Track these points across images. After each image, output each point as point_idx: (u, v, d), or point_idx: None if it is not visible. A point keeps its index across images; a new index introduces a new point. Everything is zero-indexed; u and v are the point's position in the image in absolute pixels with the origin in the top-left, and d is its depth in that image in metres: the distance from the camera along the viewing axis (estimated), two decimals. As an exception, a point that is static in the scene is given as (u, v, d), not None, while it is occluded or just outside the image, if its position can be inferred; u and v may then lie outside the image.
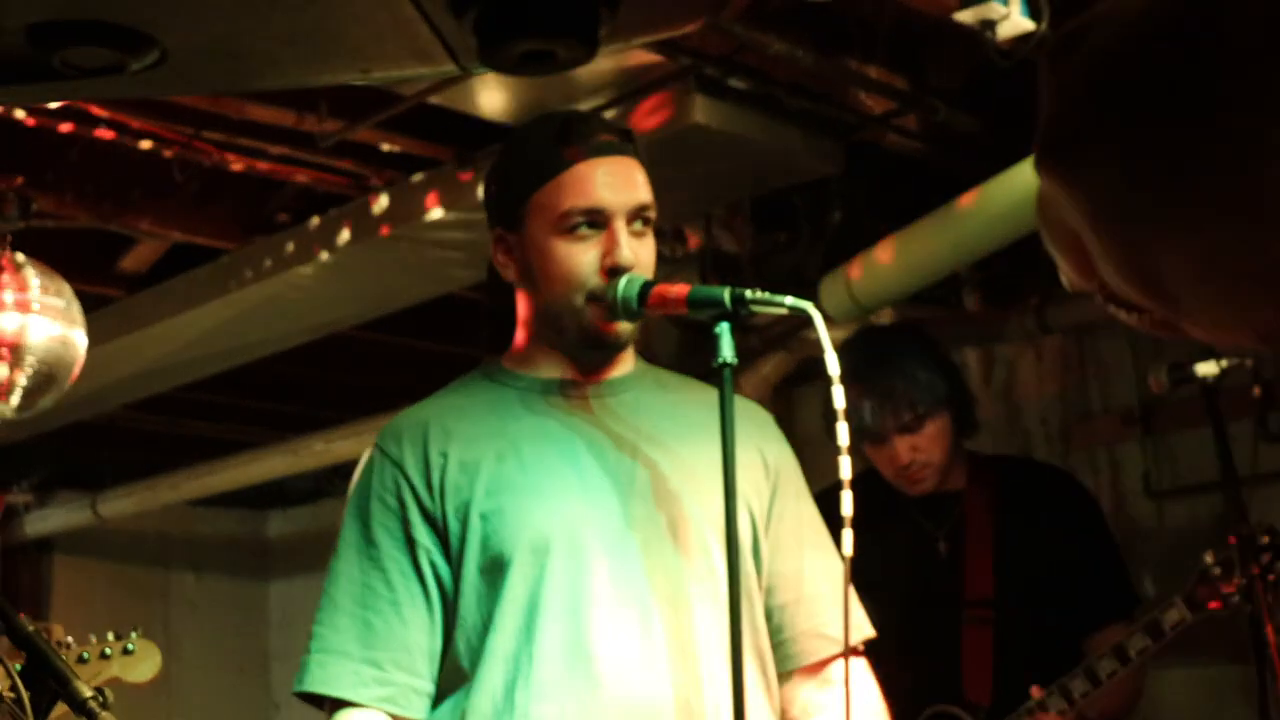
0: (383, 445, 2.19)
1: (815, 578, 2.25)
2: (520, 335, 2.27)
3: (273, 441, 6.83)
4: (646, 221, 2.19)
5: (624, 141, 2.20)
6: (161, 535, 8.41)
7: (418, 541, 2.12)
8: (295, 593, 8.69)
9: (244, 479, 7.00)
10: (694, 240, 4.56)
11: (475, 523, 2.10)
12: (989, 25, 3.49)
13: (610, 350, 2.23)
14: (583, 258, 2.14)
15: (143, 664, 3.09)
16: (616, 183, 2.15)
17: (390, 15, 0.69)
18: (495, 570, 2.08)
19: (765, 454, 2.29)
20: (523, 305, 2.25)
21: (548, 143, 2.18)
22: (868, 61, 3.89)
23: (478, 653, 2.07)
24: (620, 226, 2.15)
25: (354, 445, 6.29)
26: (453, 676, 2.11)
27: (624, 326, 2.17)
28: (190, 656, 8.22)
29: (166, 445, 7.24)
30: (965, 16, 3.44)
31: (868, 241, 4.25)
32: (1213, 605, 3.23)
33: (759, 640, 2.20)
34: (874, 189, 4.48)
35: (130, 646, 3.07)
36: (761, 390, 4.74)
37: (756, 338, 4.73)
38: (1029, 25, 3.51)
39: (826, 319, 2.04)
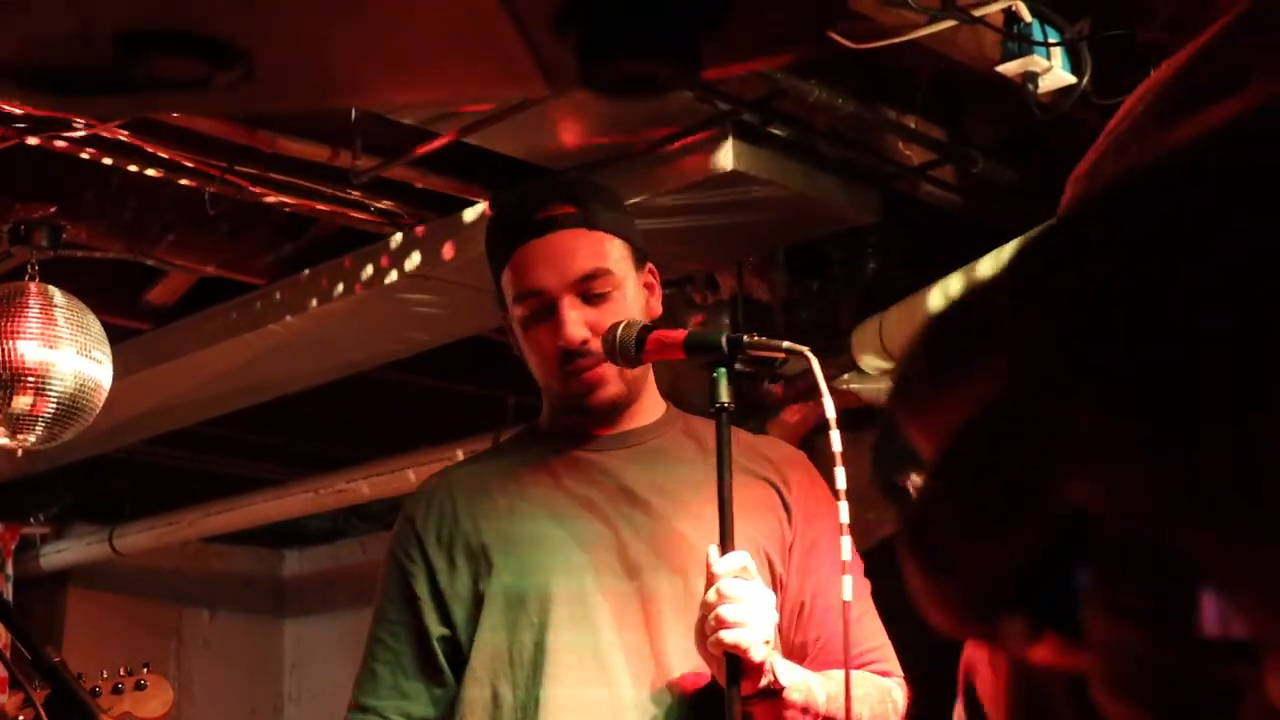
0: (407, 504, 2.27)
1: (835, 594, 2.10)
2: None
3: (293, 480, 6.81)
4: (601, 287, 2.14)
5: (566, 213, 2.15)
6: (177, 571, 8.38)
7: (420, 598, 2.18)
8: (310, 633, 8.65)
9: (264, 517, 6.97)
10: (726, 287, 4.52)
11: (485, 577, 2.14)
12: (1031, 78, 3.47)
13: (600, 414, 2.21)
14: (544, 342, 2.15)
15: (154, 700, 3.09)
16: (554, 261, 2.12)
17: (484, 33, 0.65)
18: (504, 625, 2.12)
19: (783, 485, 2.23)
20: None
21: (498, 229, 2.23)
22: (907, 111, 3.87)
23: (490, 708, 2.10)
24: (566, 305, 2.12)
25: (375, 486, 6.25)
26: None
27: (609, 392, 2.15)
28: (202, 695, 8.17)
29: (186, 480, 7.21)
30: (1007, 69, 3.42)
31: (901, 293, 4.21)
32: None
33: None
34: (909, 240, 4.45)
35: (143, 683, 3.07)
36: (789, 439, 4.69)
37: (786, 387, 4.69)
38: (1070, 79, 3.49)
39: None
